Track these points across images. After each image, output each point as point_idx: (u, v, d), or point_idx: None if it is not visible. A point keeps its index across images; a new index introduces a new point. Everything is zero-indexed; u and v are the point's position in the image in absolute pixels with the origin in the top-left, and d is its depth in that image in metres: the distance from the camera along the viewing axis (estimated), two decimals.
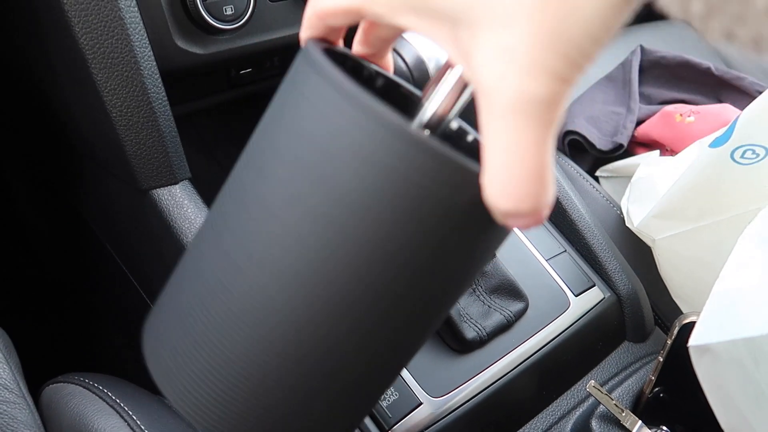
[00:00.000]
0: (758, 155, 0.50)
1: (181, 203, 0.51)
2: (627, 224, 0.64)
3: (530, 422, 0.55)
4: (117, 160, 0.50)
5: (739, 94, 0.81)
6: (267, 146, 0.25)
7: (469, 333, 0.52)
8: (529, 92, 0.19)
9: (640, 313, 0.63)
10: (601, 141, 0.76)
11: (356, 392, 0.29)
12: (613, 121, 0.78)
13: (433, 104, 0.25)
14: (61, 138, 0.62)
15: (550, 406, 0.56)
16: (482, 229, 0.24)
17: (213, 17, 0.49)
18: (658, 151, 0.72)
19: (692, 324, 0.46)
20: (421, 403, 0.49)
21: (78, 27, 0.44)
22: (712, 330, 0.41)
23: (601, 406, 0.52)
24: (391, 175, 0.22)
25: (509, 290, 0.56)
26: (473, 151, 0.30)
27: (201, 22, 0.49)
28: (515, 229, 0.44)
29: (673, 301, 0.63)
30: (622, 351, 0.62)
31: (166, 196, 0.51)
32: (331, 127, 0.22)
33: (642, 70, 0.86)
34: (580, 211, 0.65)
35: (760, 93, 0.54)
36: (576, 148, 0.77)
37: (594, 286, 0.61)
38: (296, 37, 0.57)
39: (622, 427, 0.50)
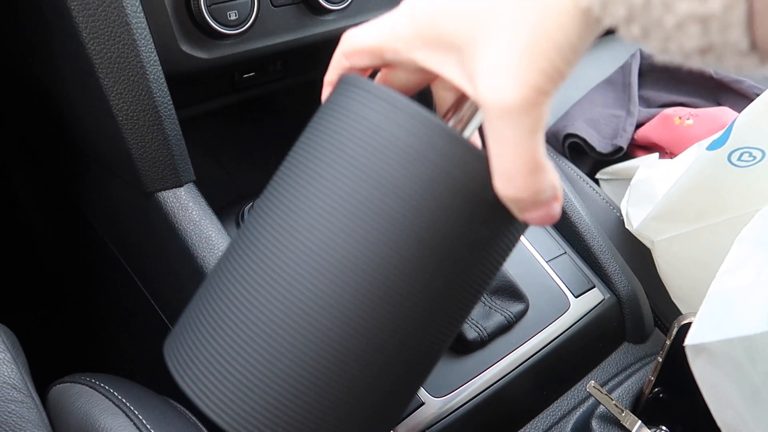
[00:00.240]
0: (755, 158, 0.50)
1: (185, 206, 0.51)
2: (627, 226, 0.64)
3: (531, 422, 0.55)
4: (122, 163, 0.51)
5: (737, 97, 0.81)
6: (325, 157, 0.27)
7: (470, 334, 0.53)
8: (508, 102, 0.23)
9: (639, 314, 0.63)
10: (600, 144, 0.76)
11: (398, 394, 0.30)
12: (612, 124, 0.79)
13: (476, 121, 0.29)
14: (67, 141, 0.62)
15: (551, 406, 0.57)
16: (504, 223, 0.28)
17: (217, 22, 0.50)
18: (657, 154, 0.72)
19: (691, 324, 0.46)
20: (423, 403, 0.49)
21: (85, 33, 0.45)
22: (708, 329, 0.41)
23: (601, 406, 0.53)
24: (433, 168, 0.26)
25: (510, 291, 0.56)
26: None
27: (205, 27, 0.50)
28: None
29: (673, 302, 0.63)
30: (622, 352, 0.62)
31: (171, 199, 0.51)
32: (386, 134, 0.26)
33: (641, 74, 0.86)
34: (580, 213, 0.65)
35: (759, 96, 0.54)
36: (576, 151, 0.78)
37: (594, 287, 0.62)
38: (298, 41, 0.58)
39: (622, 427, 0.51)
